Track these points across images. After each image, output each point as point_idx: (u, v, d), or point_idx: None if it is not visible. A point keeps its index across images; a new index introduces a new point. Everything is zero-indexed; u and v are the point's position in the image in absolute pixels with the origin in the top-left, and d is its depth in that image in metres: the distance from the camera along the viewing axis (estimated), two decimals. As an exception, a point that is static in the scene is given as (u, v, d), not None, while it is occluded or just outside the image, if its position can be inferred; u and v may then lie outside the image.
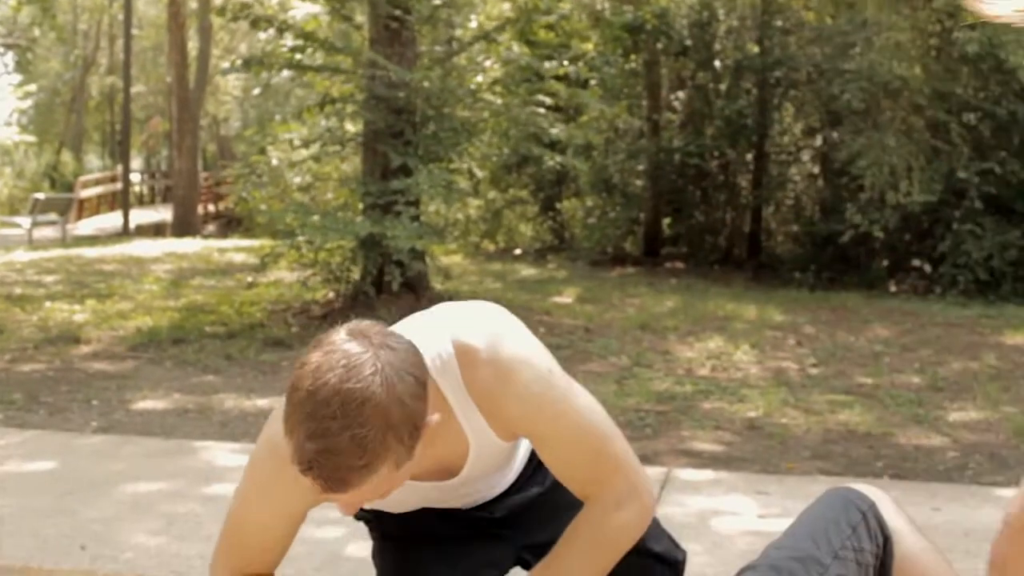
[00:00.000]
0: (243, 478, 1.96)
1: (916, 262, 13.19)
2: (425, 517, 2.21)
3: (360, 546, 3.42)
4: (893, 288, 12.61)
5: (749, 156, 15.47)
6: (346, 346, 1.62)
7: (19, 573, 3.28)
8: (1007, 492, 4.30)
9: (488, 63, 9.82)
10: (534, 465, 2.15)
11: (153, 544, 3.56)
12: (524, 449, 2.13)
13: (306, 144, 9.94)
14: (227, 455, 4.81)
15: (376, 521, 2.28)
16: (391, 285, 8.59)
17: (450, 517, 2.23)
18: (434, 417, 1.68)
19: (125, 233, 21.20)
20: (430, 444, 1.77)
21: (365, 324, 1.69)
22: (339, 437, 1.56)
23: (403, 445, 1.62)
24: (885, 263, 13.59)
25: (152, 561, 3.39)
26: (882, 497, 2.17)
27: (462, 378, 1.81)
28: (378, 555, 2.28)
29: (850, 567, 2.06)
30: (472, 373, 1.80)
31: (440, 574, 2.21)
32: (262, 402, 6.15)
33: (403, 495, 1.91)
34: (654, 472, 4.53)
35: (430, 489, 1.96)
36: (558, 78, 9.88)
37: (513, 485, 2.16)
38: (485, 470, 1.97)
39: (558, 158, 11.07)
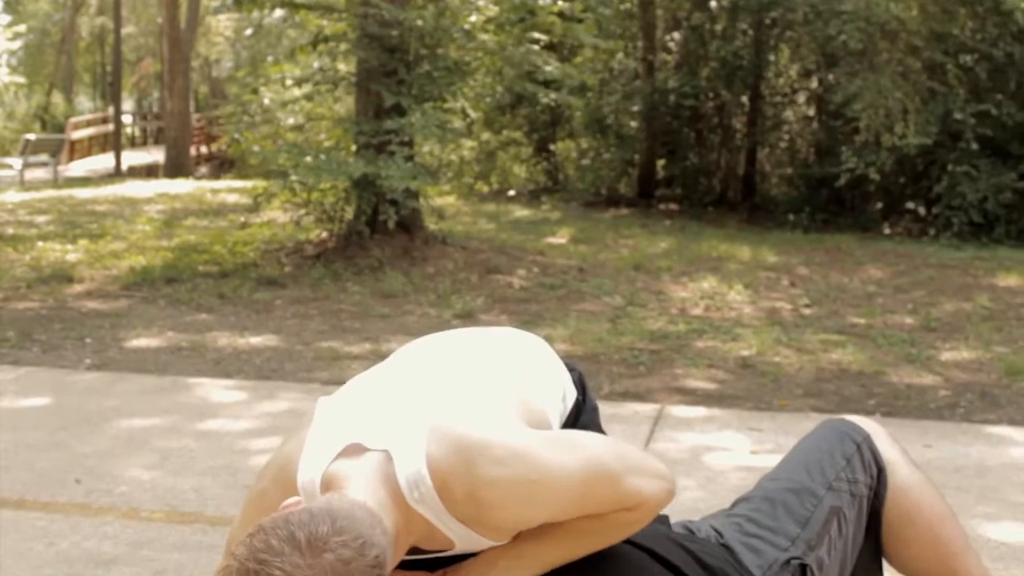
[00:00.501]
0: (240, 515, 1.94)
1: (910, 204, 13.17)
2: None
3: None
4: (887, 230, 12.60)
5: (744, 98, 15.37)
6: (272, 561, 1.49)
7: (15, 506, 3.29)
8: (997, 430, 4.33)
9: (482, 2, 9.71)
10: None
11: (147, 478, 3.57)
12: None
13: (299, 84, 9.85)
14: (221, 391, 4.82)
15: None
16: (385, 224, 8.57)
17: None
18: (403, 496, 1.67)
19: (117, 174, 21.11)
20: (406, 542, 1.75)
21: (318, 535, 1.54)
22: None
23: None
24: (879, 205, 13.57)
25: (147, 495, 3.41)
26: (876, 429, 2.18)
27: (444, 507, 1.73)
28: None
29: (844, 498, 2.07)
30: (454, 504, 1.73)
31: None
32: (255, 340, 6.15)
33: None
34: (647, 409, 4.55)
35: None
36: (552, 14, 9.77)
37: None
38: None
39: (553, 95, 10.99)
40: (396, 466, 1.72)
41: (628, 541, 1.92)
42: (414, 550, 1.85)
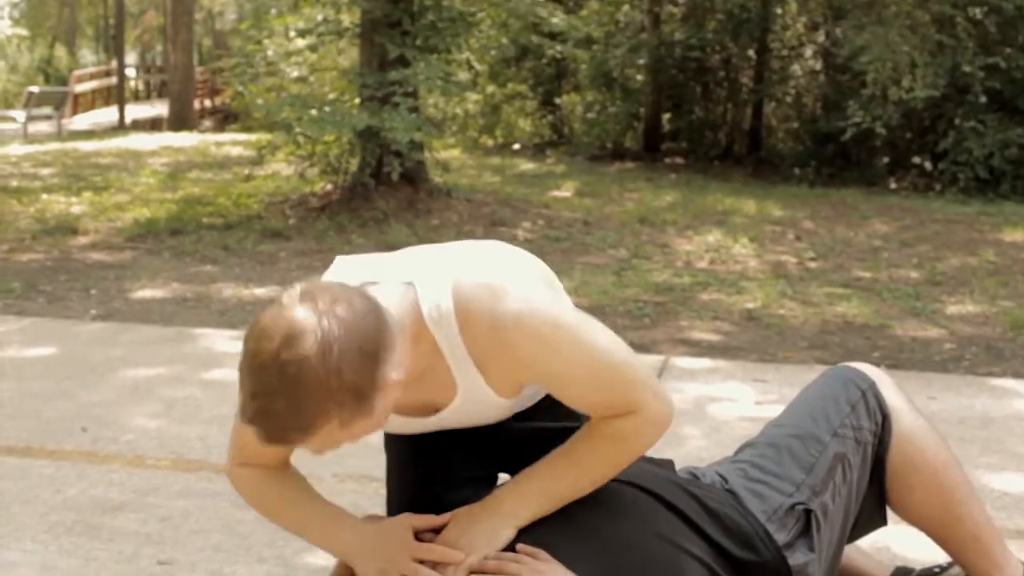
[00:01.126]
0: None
1: (916, 159, 13.10)
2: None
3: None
4: (893, 185, 12.55)
5: (751, 51, 15.27)
6: (293, 312, 1.57)
7: (22, 454, 3.31)
8: (1002, 382, 4.33)
9: (487, -48, 9.62)
10: None
11: (153, 426, 3.58)
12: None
13: (302, 35, 9.80)
14: (226, 342, 4.82)
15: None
16: (390, 176, 8.54)
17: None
18: (392, 376, 1.62)
19: (121, 128, 21.05)
20: (414, 385, 1.75)
21: (323, 285, 1.62)
22: (276, 401, 1.54)
23: (346, 410, 1.58)
24: (885, 160, 13.50)
25: (152, 443, 3.42)
26: (881, 376, 2.18)
27: (461, 337, 1.74)
28: (387, 442, 2.31)
29: (848, 445, 2.07)
30: (472, 335, 1.73)
31: (445, 454, 2.21)
32: (260, 291, 6.15)
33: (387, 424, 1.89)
34: (652, 360, 4.55)
35: (412, 423, 1.91)
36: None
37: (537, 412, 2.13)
38: (472, 418, 1.92)
39: (558, 47, 10.92)
40: (419, 291, 1.72)
41: (635, 485, 1.93)
42: (403, 410, 1.84)
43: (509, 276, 1.80)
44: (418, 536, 1.86)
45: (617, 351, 1.81)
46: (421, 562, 1.80)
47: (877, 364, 4.70)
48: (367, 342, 1.58)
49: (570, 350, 1.76)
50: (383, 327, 1.61)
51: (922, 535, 2.18)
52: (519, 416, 2.16)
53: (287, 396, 1.54)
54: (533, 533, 1.81)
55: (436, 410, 1.87)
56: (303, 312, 1.57)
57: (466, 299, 1.73)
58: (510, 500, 1.86)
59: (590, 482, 1.88)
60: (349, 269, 1.83)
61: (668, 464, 2.10)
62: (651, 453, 2.38)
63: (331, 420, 1.57)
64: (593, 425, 1.88)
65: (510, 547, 1.80)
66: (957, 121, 11.80)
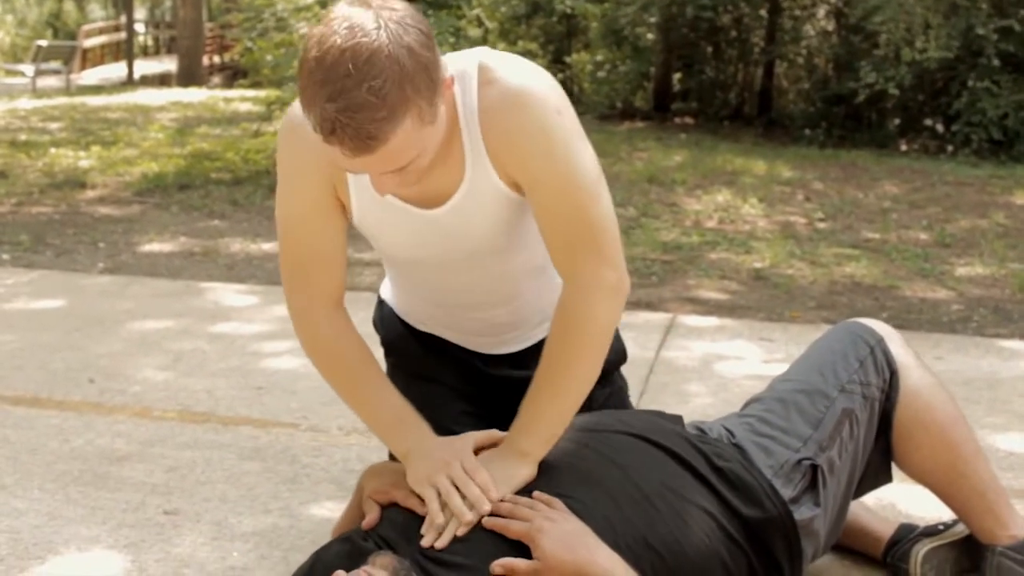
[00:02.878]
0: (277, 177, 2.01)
1: (928, 122, 13.01)
2: (441, 367, 2.23)
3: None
4: (904, 147, 12.48)
5: (763, 11, 15.14)
6: (345, 11, 1.63)
7: (30, 404, 3.32)
8: (1009, 344, 4.32)
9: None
10: None
11: (160, 379, 3.59)
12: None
13: (312, -11, 9.73)
14: (233, 296, 4.82)
15: (397, 357, 2.35)
16: (398, 132, 8.51)
17: (464, 370, 2.24)
18: (449, 74, 1.73)
19: (129, 83, 21.00)
20: (427, 170, 1.79)
21: None
22: (355, 92, 1.57)
23: (421, 97, 1.63)
24: (897, 122, 13.42)
25: (159, 395, 3.42)
26: (890, 332, 2.17)
27: (477, 92, 1.81)
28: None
29: (856, 400, 2.07)
30: (487, 89, 1.81)
31: (442, 405, 2.23)
32: (267, 245, 6.15)
33: (390, 218, 1.93)
34: (659, 318, 4.55)
35: (412, 214, 1.92)
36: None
37: (530, 354, 2.15)
38: (480, 220, 1.93)
39: (569, 2, 10.84)
40: (450, 61, 1.83)
41: (643, 438, 1.93)
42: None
43: (538, 71, 1.89)
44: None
45: (595, 177, 1.88)
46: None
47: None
48: (424, 25, 1.65)
49: (559, 145, 1.82)
50: (425, 20, 1.69)
51: (927, 492, 2.18)
52: (513, 363, 2.17)
53: (366, 81, 1.57)
54: (547, 483, 1.83)
55: (440, 203, 1.91)
56: (356, 10, 1.62)
57: (491, 65, 1.83)
58: (520, 437, 1.89)
59: (582, 382, 1.92)
60: None
61: (677, 419, 2.10)
62: (655, 408, 2.38)
63: (411, 109, 1.61)
64: (552, 331, 1.92)
65: (527, 492, 1.81)
66: (970, 82, 11.71)
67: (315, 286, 2.02)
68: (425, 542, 1.75)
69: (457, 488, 1.80)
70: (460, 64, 1.82)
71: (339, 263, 2.02)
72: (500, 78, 1.81)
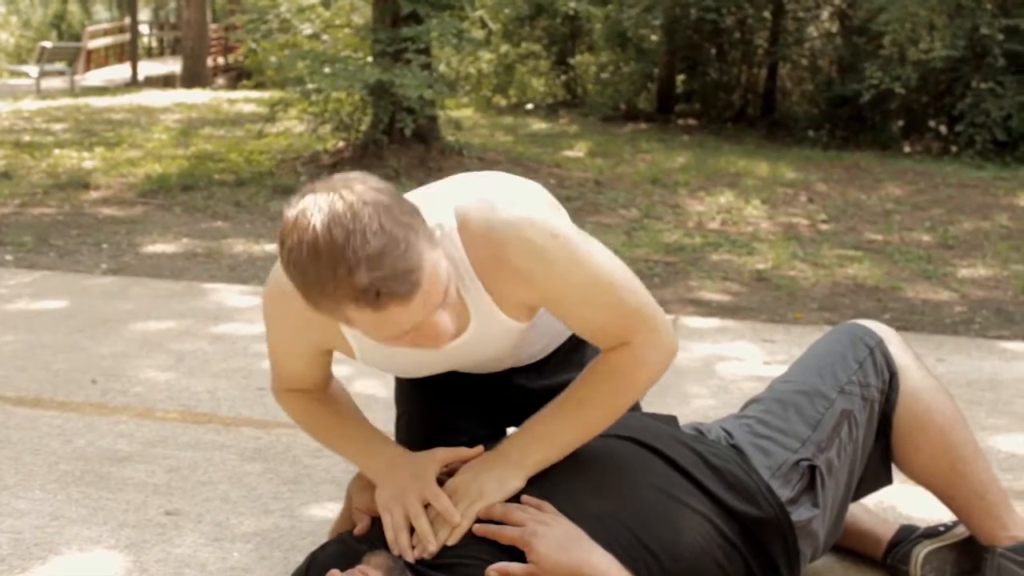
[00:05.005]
0: (267, 332, 2.02)
1: (932, 123, 13.00)
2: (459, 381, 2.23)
3: (367, 383, 3.45)
4: (907, 149, 12.48)
5: (766, 13, 15.15)
6: (303, 203, 1.58)
7: (32, 404, 3.32)
8: (1011, 345, 4.32)
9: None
10: (574, 344, 2.15)
11: (162, 379, 3.59)
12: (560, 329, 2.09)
13: (315, -10, 9.76)
14: (236, 296, 4.83)
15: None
16: (402, 134, 8.52)
17: (482, 386, 2.24)
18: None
19: (134, 84, 21.01)
20: None
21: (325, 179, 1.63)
22: (367, 248, 1.50)
23: (414, 218, 1.57)
24: (900, 124, 13.41)
25: (161, 395, 3.43)
26: (889, 334, 2.17)
27: (465, 252, 1.74)
28: (399, 387, 2.35)
29: (855, 401, 2.07)
30: (475, 251, 1.74)
31: (447, 406, 2.24)
32: (270, 247, 6.16)
33: (395, 357, 1.92)
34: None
35: (420, 353, 1.87)
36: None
37: (549, 364, 2.16)
38: (489, 348, 1.93)
39: (572, 4, 10.85)
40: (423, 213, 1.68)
41: (635, 440, 1.93)
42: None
43: (509, 193, 1.82)
44: (448, 472, 1.90)
45: (617, 271, 1.84)
46: (427, 506, 1.82)
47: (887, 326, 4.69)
48: (397, 195, 1.60)
49: (568, 263, 1.77)
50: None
51: (928, 494, 2.18)
52: (531, 372, 2.17)
53: (367, 233, 1.50)
54: (538, 486, 1.83)
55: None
56: (320, 198, 1.56)
57: (465, 214, 1.74)
58: (516, 449, 1.88)
59: (594, 424, 1.89)
60: None
61: (671, 420, 2.10)
62: (656, 409, 2.39)
63: (412, 227, 1.55)
64: (592, 366, 1.90)
65: (516, 498, 1.81)
66: (975, 83, 11.70)
67: (295, 386, 2.10)
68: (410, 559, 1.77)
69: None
70: (435, 217, 1.73)
71: (324, 378, 2.09)
72: (482, 227, 1.74)
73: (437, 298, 1.60)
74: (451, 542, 1.76)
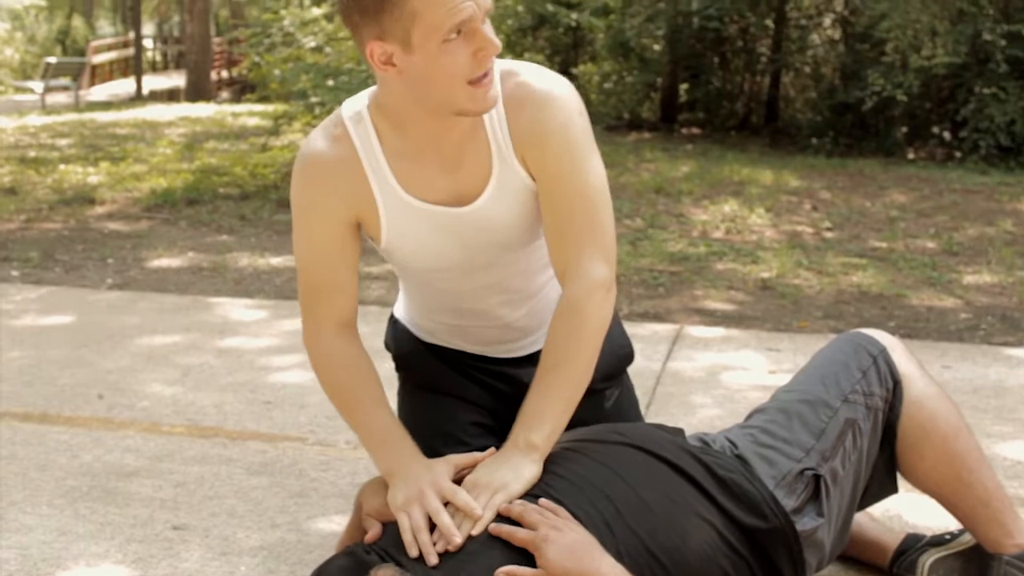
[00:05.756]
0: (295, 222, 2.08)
1: (935, 129, 13.00)
2: (455, 378, 2.25)
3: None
4: (911, 156, 12.47)
5: (769, 21, 15.15)
6: None
7: (39, 420, 3.34)
8: (1017, 352, 4.31)
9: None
10: None
11: (168, 393, 3.60)
12: None
13: (318, 3, 9.79)
14: (241, 310, 4.84)
15: (410, 372, 2.40)
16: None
17: (479, 380, 2.27)
18: None
19: (138, 98, 21.08)
20: (459, 153, 1.92)
21: None
22: None
23: None
24: (904, 130, 13.40)
25: (168, 409, 3.44)
26: (893, 342, 2.17)
27: (501, 88, 1.91)
28: (402, 400, 2.40)
29: (859, 411, 2.07)
30: (513, 88, 1.92)
31: (453, 417, 2.26)
32: (276, 260, 6.17)
33: (420, 226, 1.99)
34: (665, 329, 4.55)
35: (443, 215, 1.99)
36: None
37: None
38: (502, 216, 2.00)
39: (574, 15, 10.86)
40: None
41: (645, 450, 1.94)
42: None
43: (563, 81, 2.00)
44: (461, 476, 1.91)
45: (605, 186, 2.00)
46: (445, 504, 1.83)
47: (892, 333, 4.67)
48: None
49: (582, 152, 1.94)
50: None
51: (933, 502, 2.18)
52: (532, 362, 2.19)
53: None
54: (551, 491, 1.83)
55: (468, 202, 1.98)
56: None
57: (513, 68, 1.96)
58: (522, 435, 1.91)
59: (580, 377, 1.97)
60: None
61: (678, 431, 2.10)
62: (662, 418, 2.39)
63: None
64: (550, 326, 1.99)
65: (532, 500, 1.81)
66: (978, 88, 11.70)
67: (325, 310, 2.08)
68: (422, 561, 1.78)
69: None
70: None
71: (350, 290, 2.08)
72: (525, 79, 1.93)
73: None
74: (475, 532, 1.77)
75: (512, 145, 1.93)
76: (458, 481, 1.90)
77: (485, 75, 1.81)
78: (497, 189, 1.96)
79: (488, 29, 1.80)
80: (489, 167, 1.95)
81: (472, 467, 1.93)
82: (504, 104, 1.92)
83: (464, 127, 1.91)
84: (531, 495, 1.83)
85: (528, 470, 1.86)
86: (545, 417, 1.91)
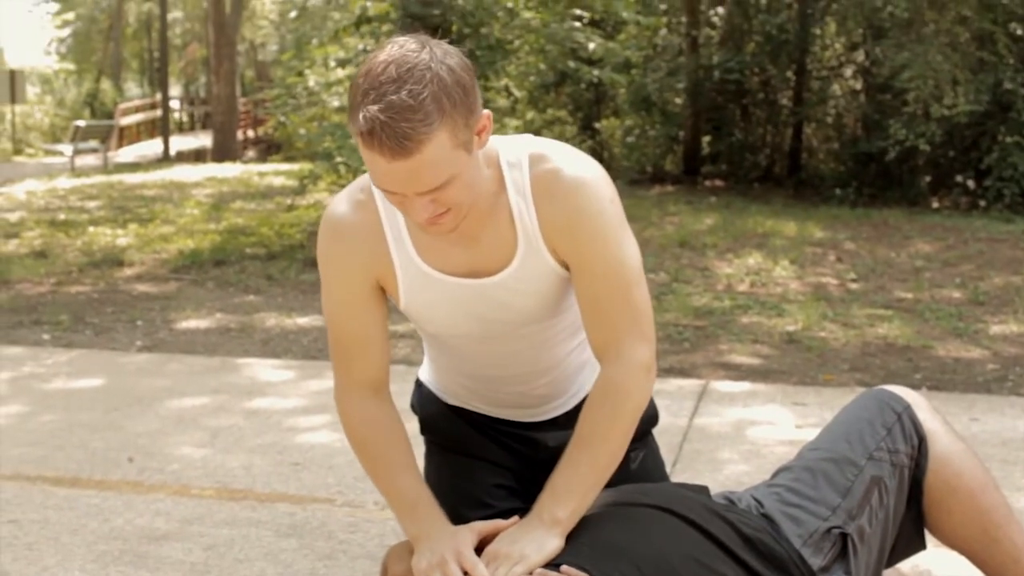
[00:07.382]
0: (323, 281, 2.13)
1: (959, 178, 13.00)
2: (479, 440, 2.28)
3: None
4: (935, 205, 12.46)
5: (790, 72, 15.23)
6: (397, 39, 1.77)
7: (70, 484, 3.36)
8: (1047, 402, 4.29)
9: (524, -20, 9.69)
10: None
11: (198, 456, 3.63)
12: (590, 369, 2.20)
13: (343, 65, 9.91)
14: (269, 371, 4.87)
15: (435, 434, 2.42)
16: (430, 204, 8.59)
17: (503, 443, 2.29)
18: (486, 112, 1.81)
19: (165, 159, 21.32)
20: (474, 241, 1.93)
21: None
22: (395, 96, 1.68)
23: (458, 113, 1.73)
24: (928, 180, 13.40)
25: (197, 472, 3.46)
26: (917, 399, 2.18)
27: (529, 174, 1.93)
28: (428, 462, 2.43)
29: (885, 468, 2.07)
30: (543, 174, 1.93)
31: (477, 480, 2.28)
32: (303, 320, 6.21)
33: (438, 295, 2.02)
34: (691, 384, 4.56)
35: (459, 287, 2.01)
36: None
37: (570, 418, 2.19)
38: (524, 292, 2.02)
39: (596, 72, 10.96)
40: (500, 146, 1.97)
41: (668, 510, 1.94)
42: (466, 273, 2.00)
43: (588, 159, 2.01)
44: (485, 542, 1.93)
45: (640, 267, 1.99)
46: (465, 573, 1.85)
47: (919, 386, 4.68)
48: (466, 60, 1.79)
49: (611, 232, 1.95)
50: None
51: (963, 559, 2.17)
52: (559, 429, 2.20)
53: (406, 87, 1.68)
54: (576, 556, 1.84)
55: (490, 274, 2.00)
56: (406, 38, 1.77)
57: (543, 153, 1.96)
58: (547, 509, 1.92)
59: (610, 456, 1.97)
60: None
61: (703, 489, 2.11)
62: (688, 475, 2.40)
63: (446, 121, 1.71)
64: (586, 401, 1.99)
65: (555, 566, 1.82)
66: (1000, 137, 11.71)
67: (356, 370, 2.11)
68: None
69: None
70: (511, 150, 1.95)
71: (379, 348, 2.11)
72: (556, 165, 1.94)
73: (424, 185, 1.74)
74: None
75: (541, 232, 1.95)
76: (481, 547, 1.91)
77: (431, 223, 1.83)
78: (520, 268, 1.98)
79: (441, 196, 1.78)
80: (513, 245, 1.97)
81: (496, 533, 1.94)
82: (532, 190, 1.94)
83: (481, 208, 1.93)
84: (553, 564, 1.84)
85: (550, 544, 1.86)
86: (573, 493, 1.91)
